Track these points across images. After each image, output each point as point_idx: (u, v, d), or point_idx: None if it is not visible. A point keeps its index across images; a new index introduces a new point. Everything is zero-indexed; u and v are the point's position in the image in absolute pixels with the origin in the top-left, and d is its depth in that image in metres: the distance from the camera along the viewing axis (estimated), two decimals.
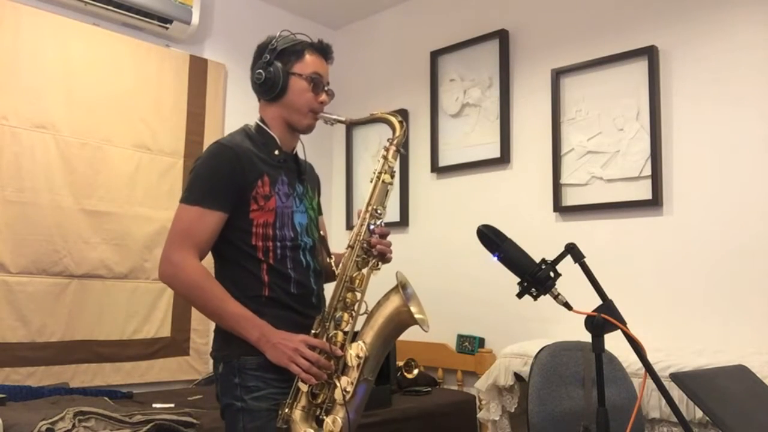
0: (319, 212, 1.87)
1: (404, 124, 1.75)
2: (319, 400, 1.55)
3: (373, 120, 1.77)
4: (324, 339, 1.57)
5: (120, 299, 3.07)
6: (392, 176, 1.70)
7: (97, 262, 3.00)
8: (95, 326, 2.98)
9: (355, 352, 1.55)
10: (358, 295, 1.62)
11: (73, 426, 2.09)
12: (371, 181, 1.70)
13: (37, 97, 2.87)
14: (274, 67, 1.67)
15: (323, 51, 1.74)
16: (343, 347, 1.57)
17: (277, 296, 1.62)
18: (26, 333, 2.77)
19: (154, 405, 2.54)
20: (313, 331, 1.58)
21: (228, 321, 1.56)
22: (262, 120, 1.74)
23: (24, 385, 2.64)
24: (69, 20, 3.00)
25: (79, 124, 2.98)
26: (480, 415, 2.71)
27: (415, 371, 3.24)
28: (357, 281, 1.62)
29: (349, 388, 1.53)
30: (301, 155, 1.81)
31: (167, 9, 3.22)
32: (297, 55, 1.69)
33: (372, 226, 1.65)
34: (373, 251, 1.63)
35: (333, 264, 1.72)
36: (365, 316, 1.62)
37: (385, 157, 1.70)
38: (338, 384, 1.53)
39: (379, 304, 1.61)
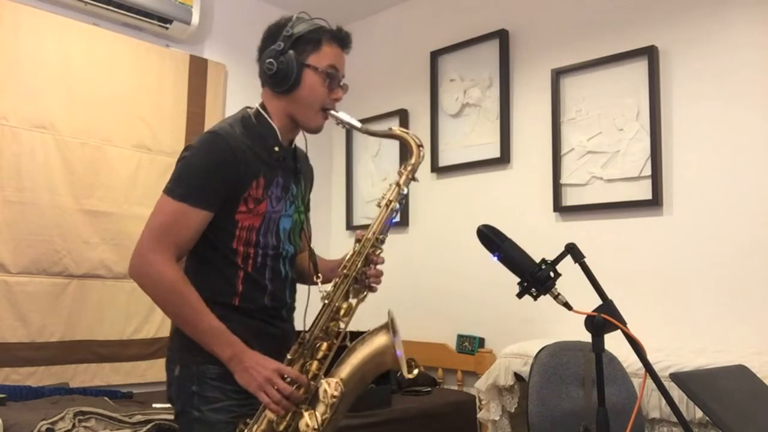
0: (307, 209, 1.72)
1: (422, 148, 1.57)
2: (281, 428, 1.43)
3: (390, 136, 1.60)
4: (298, 367, 1.46)
5: (120, 299, 3.07)
6: (401, 203, 1.55)
7: (97, 262, 3.00)
8: (95, 326, 2.98)
9: (332, 389, 1.43)
10: (342, 324, 1.50)
11: (73, 426, 2.10)
12: (378, 205, 1.56)
13: (37, 97, 2.87)
14: (287, 58, 1.50)
15: (342, 40, 1.59)
16: (316, 377, 1.46)
17: (247, 308, 1.51)
18: (26, 333, 2.77)
19: (154, 405, 2.54)
20: (288, 357, 1.47)
21: (200, 334, 1.43)
22: (263, 107, 1.58)
23: (24, 385, 2.64)
24: (69, 20, 3.00)
25: (79, 124, 2.98)
26: (480, 415, 2.71)
27: (415, 371, 3.23)
28: (343, 311, 1.50)
29: (317, 426, 1.41)
30: (299, 143, 1.69)
31: (167, 9, 3.22)
32: (314, 44, 1.53)
33: (371, 257, 1.53)
34: (366, 282, 1.53)
35: (320, 282, 1.60)
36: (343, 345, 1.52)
37: (398, 184, 1.55)
38: (305, 415, 1.41)
39: (363, 341, 1.50)
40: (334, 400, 1.43)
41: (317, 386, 1.45)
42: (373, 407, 2.65)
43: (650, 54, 2.75)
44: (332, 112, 1.57)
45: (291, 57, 1.51)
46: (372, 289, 1.55)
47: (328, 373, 1.48)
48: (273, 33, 1.57)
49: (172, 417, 2.25)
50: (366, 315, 1.57)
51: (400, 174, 1.56)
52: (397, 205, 1.55)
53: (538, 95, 3.15)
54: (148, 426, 2.18)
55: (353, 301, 1.52)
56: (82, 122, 3.00)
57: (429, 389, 3.13)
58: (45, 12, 2.93)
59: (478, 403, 2.78)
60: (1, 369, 2.68)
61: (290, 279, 1.62)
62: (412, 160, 1.56)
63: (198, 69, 3.43)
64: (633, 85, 2.81)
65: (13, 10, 2.83)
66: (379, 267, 1.56)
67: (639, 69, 2.79)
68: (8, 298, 2.74)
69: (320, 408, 1.43)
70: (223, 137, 1.48)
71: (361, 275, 1.52)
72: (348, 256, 1.54)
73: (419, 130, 3.64)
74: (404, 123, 3.70)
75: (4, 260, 2.75)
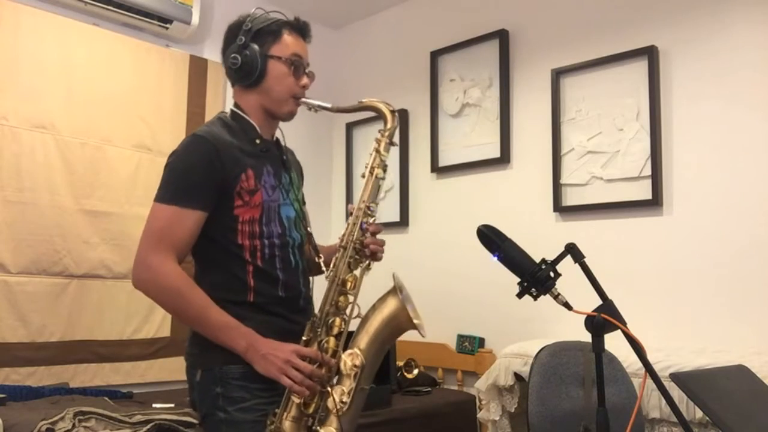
0: (302, 202, 1.73)
1: (396, 113, 1.63)
2: (311, 410, 1.45)
3: (362, 108, 1.65)
4: (316, 346, 1.46)
5: (120, 299, 3.06)
6: (384, 170, 1.59)
7: (97, 262, 3.00)
8: (95, 326, 2.98)
9: (351, 360, 1.45)
10: (351, 298, 1.53)
11: (73, 426, 2.09)
12: (363, 176, 1.59)
13: (37, 97, 2.87)
14: (250, 50, 1.54)
15: (301, 30, 1.62)
16: (335, 354, 1.47)
17: (262, 302, 1.52)
18: (26, 333, 2.77)
19: (154, 405, 2.54)
20: (303, 338, 1.48)
21: (211, 330, 1.44)
22: (237, 106, 1.62)
23: (24, 385, 2.64)
24: (69, 20, 3.00)
25: (79, 124, 2.98)
26: (480, 415, 2.71)
27: (415, 371, 3.24)
28: (349, 284, 1.53)
29: (346, 399, 1.43)
30: (281, 142, 1.71)
31: (167, 9, 3.22)
32: (274, 35, 1.57)
33: (364, 225, 1.55)
34: (365, 251, 1.54)
35: (323, 263, 1.62)
36: (358, 319, 1.53)
37: (377, 150, 1.59)
38: (332, 393, 1.43)
39: (374, 308, 1.52)
40: (356, 369, 1.45)
41: (338, 362, 1.46)
42: (373, 407, 2.65)
43: (650, 54, 2.75)
44: (303, 99, 1.61)
45: (254, 50, 1.55)
46: (375, 258, 1.57)
47: (346, 347, 1.49)
48: (233, 31, 1.60)
49: (172, 417, 2.26)
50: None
51: (378, 141, 1.60)
52: (382, 173, 1.58)
53: (538, 95, 3.15)
54: (148, 426, 2.18)
55: (357, 273, 1.54)
56: (82, 122, 2.99)
57: (429, 389, 3.13)
58: (45, 12, 2.93)
59: (478, 403, 2.79)
60: (1, 369, 2.68)
61: (301, 268, 1.62)
62: (388, 125, 1.61)
63: (198, 69, 3.43)
64: (633, 85, 2.81)
65: (13, 10, 2.83)
66: (379, 237, 1.58)
67: (639, 69, 2.79)
68: (8, 298, 2.74)
69: (346, 382, 1.45)
70: (203, 137, 1.51)
71: (359, 245, 1.54)
72: (344, 232, 1.57)
73: (419, 130, 3.64)
74: (404, 123, 3.70)
75: (4, 260, 2.74)
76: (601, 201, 2.87)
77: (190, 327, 1.53)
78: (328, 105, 1.62)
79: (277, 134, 1.70)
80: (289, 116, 1.64)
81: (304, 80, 1.61)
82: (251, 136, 1.58)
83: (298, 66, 1.59)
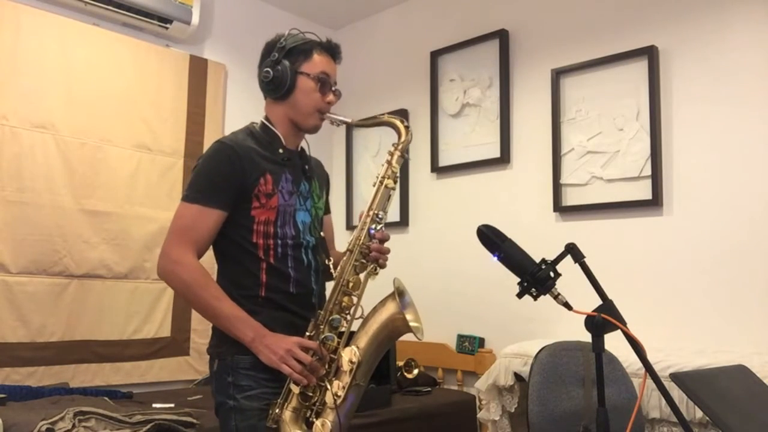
0: (327, 211, 1.87)
1: (410, 129, 1.73)
2: (310, 402, 1.55)
3: (378, 123, 1.77)
4: (318, 341, 1.56)
5: (120, 299, 3.07)
6: (395, 181, 1.68)
7: (97, 262, 3.00)
8: (95, 326, 2.98)
9: (348, 356, 1.54)
10: (354, 299, 1.62)
11: (73, 426, 2.09)
12: (374, 185, 1.69)
13: (37, 97, 2.87)
14: (282, 66, 1.66)
15: (331, 50, 1.74)
16: (336, 351, 1.56)
17: (273, 297, 1.62)
18: (26, 333, 2.77)
19: (154, 405, 2.54)
20: (307, 333, 1.58)
21: (222, 321, 1.56)
22: (267, 118, 1.74)
23: (24, 385, 2.64)
24: (69, 20, 3.00)
25: (79, 124, 2.98)
26: (480, 415, 2.71)
27: (415, 371, 3.24)
28: (353, 285, 1.61)
29: (341, 393, 1.52)
30: (306, 153, 1.82)
31: (167, 9, 3.22)
32: (305, 54, 1.69)
33: (372, 230, 1.64)
34: (371, 255, 1.63)
35: (331, 266, 1.72)
36: (360, 320, 1.62)
37: (389, 162, 1.68)
38: (329, 387, 1.53)
39: (375, 310, 1.61)
40: (352, 365, 1.54)
41: (337, 358, 1.56)
42: (373, 407, 2.65)
43: (650, 54, 2.75)
44: (327, 114, 1.73)
45: (285, 65, 1.67)
46: (380, 265, 1.65)
47: (346, 345, 1.58)
48: (268, 48, 1.73)
49: (172, 417, 2.26)
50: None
51: (390, 154, 1.70)
52: (392, 183, 1.67)
53: (538, 95, 3.15)
54: (148, 426, 2.18)
55: (362, 276, 1.63)
56: (82, 122, 3.00)
57: (429, 389, 3.13)
58: (45, 12, 2.93)
59: (478, 403, 2.79)
60: (1, 369, 2.68)
61: (314, 267, 1.71)
62: (402, 139, 1.71)
63: (198, 69, 3.43)
64: (633, 85, 2.81)
65: (13, 10, 2.83)
66: (387, 243, 1.67)
67: (639, 69, 2.79)
68: (8, 298, 2.74)
69: (343, 377, 1.54)
70: (226, 143, 1.63)
71: (365, 249, 1.63)
72: (352, 236, 1.66)
73: (419, 130, 3.64)
74: None
75: (4, 260, 2.75)
76: (601, 201, 2.87)
77: (205, 318, 1.62)
78: (348, 120, 1.74)
79: (303, 144, 1.80)
80: (314, 129, 1.75)
81: (330, 97, 1.72)
82: (275, 145, 1.70)
83: (324, 83, 1.70)
